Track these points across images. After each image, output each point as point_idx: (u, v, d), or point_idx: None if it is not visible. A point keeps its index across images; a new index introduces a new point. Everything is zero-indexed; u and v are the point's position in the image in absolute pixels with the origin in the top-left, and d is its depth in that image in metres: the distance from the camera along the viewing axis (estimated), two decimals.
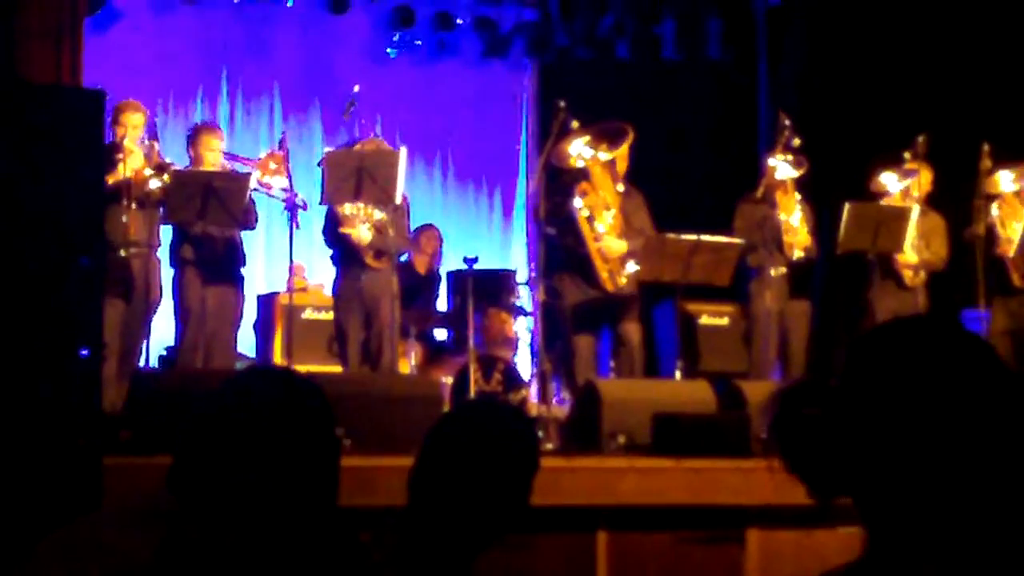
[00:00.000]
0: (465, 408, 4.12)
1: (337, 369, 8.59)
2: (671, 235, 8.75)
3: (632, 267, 8.61)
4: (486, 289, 9.38)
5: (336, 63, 11.94)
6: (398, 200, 8.34)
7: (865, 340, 1.67)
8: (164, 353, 9.19)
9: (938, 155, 9.35)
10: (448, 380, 9.02)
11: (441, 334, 10.45)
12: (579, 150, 8.64)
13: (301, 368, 7.85)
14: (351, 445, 6.13)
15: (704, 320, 9.66)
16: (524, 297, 9.95)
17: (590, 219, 8.65)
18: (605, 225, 8.64)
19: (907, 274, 9.28)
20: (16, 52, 8.19)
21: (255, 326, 9.77)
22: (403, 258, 9.33)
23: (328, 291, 9.00)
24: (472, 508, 2.60)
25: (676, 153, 11.79)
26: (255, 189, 8.35)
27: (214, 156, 8.47)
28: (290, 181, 8.41)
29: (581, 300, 8.71)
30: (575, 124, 8.61)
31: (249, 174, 8.33)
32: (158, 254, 8.36)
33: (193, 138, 8.58)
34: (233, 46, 11.84)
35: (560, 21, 12.04)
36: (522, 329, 10.04)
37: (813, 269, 9.45)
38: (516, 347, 9.98)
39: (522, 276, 10.24)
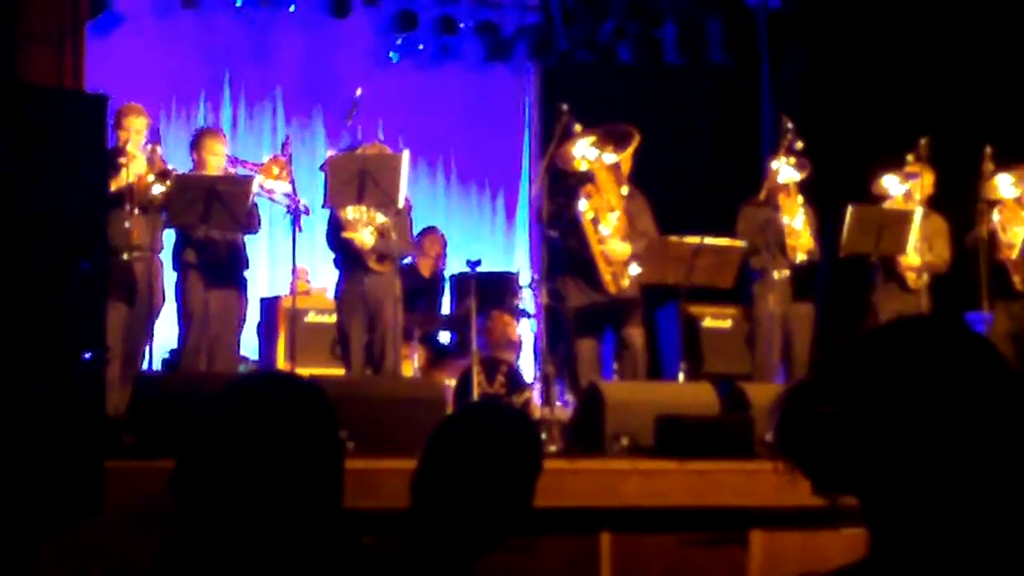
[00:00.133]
0: (468, 410, 4.11)
1: (340, 372, 8.60)
2: (674, 238, 8.75)
3: (635, 269, 8.61)
4: (489, 292, 9.38)
5: (338, 67, 11.95)
6: (401, 204, 8.34)
7: (870, 339, 1.67)
8: (167, 357, 9.21)
9: (940, 158, 9.35)
10: (451, 383, 9.02)
11: (444, 337, 10.45)
12: (584, 151, 8.63)
13: (304, 371, 7.87)
14: (354, 448, 6.12)
15: (707, 322, 9.66)
16: (527, 300, 9.95)
17: (594, 221, 8.64)
18: (609, 227, 8.64)
19: (910, 276, 9.28)
20: (17, 55, 8.18)
21: (258, 329, 9.78)
22: (407, 261, 9.33)
23: (331, 294, 9.00)
24: (475, 510, 2.60)
25: (679, 156, 11.79)
26: (257, 193, 8.35)
27: (217, 160, 8.47)
28: (293, 186, 8.41)
29: (584, 303, 8.71)
30: (578, 127, 8.61)
31: (251, 178, 8.33)
32: (160, 258, 8.36)
33: (196, 142, 8.58)
34: (236, 50, 11.85)
35: (562, 25, 12.05)
36: (525, 332, 10.04)
37: (816, 272, 9.44)
38: (519, 350, 9.97)
39: (525, 279, 10.24)
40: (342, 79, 11.46)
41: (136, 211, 8.00)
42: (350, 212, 8.41)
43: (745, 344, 9.45)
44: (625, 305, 8.73)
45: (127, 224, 7.92)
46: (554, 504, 6.10)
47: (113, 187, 7.75)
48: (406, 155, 8.43)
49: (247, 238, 8.59)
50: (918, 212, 9.19)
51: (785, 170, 9.04)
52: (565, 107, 8.58)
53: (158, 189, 8.07)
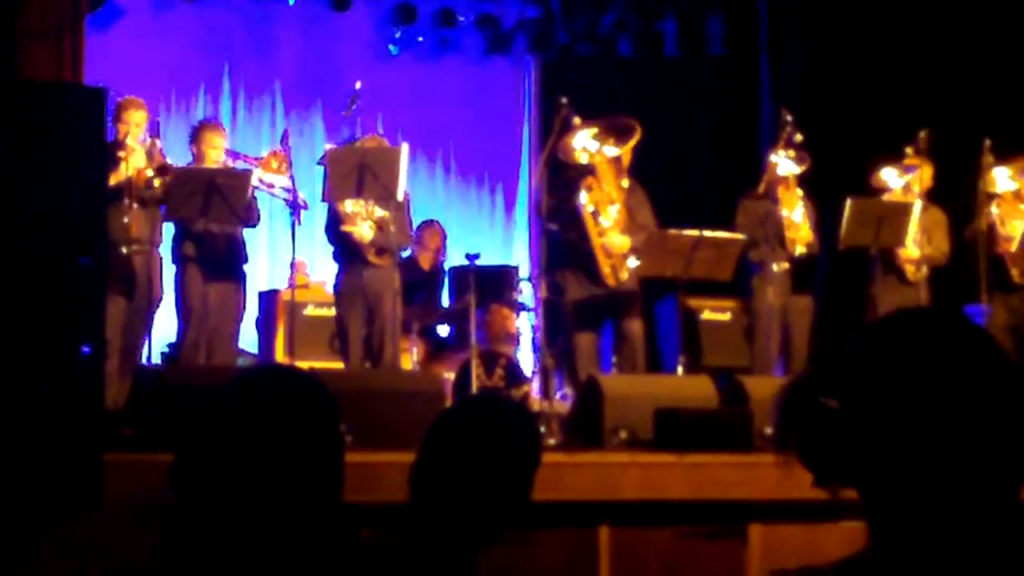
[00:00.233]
0: (467, 404, 4.11)
1: (339, 365, 8.60)
2: (673, 231, 8.75)
3: (633, 262, 8.61)
4: (488, 285, 9.37)
5: (338, 60, 11.94)
6: (400, 197, 8.33)
7: (870, 332, 1.67)
8: (166, 350, 9.20)
9: (939, 151, 9.35)
10: (450, 376, 9.02)
11: (443, 330, 10.45)
12: (585, 143, 8.63)
13: (303, 364, 7.86)
14: (353, 441, 6.11)
15: (706, 315, 9.65)
16: (526, 293, 9.95)
17: (595, 214, 8.64)
18: (610, 220, 8.64)
19: (909, 269, 9.28)
20: (17, 49, 8.18)
21: (257, 323, 9.78)
22: (406, 254, 9.33)
23: (330, 288, 9.00)
24: (474, 504, 2.60)
25: (678, 150, 11.78)
26: (257, 187, 8.35)
27: (217, 153, 8.47)
28: (292, 179, 8.41)
29: (583, 296, 8.71)
30: (577, 120, 8.60)
31: (251, 171, 8.33)
32: (159, 251, 8.36)
33: (196, 135, 8.58)
34: (235, 43, 11.84)
35: (562, 18, 12.04)
36: (524, 325, 10.04)
37: (815, 264, 9.45)
38: (518, 343, 9.98)
39: (524, 272, 10.24)
40: (341, 72, 11.45)
41: (135, 204, 7.99)
42: (349, 205, 8.41)
43: (744, 337, 9.45)
44: (624, 298, 8.73)
45: (126, 218, 7.92)
46: (553, 497, 6.10)
47: (112, 180, 7.74)
48: (405, 148, 8.42)
49: (246, 231, 8.59)
50: (917, 205, 9.19)
51: (784, 163, 9.04)
52: (564, 100, 8.57)
53: (157, 183, 8.07)
